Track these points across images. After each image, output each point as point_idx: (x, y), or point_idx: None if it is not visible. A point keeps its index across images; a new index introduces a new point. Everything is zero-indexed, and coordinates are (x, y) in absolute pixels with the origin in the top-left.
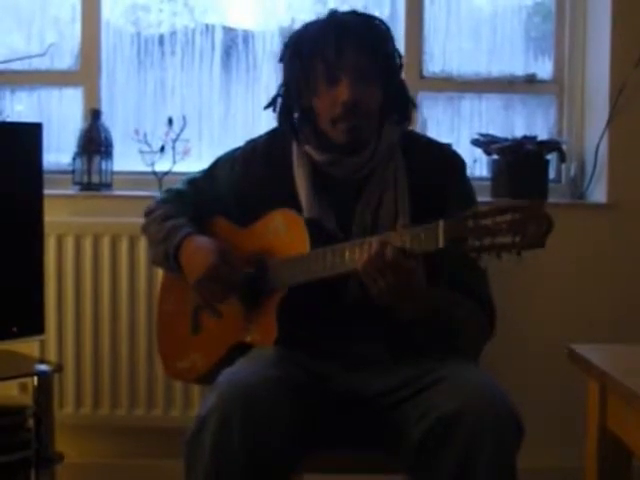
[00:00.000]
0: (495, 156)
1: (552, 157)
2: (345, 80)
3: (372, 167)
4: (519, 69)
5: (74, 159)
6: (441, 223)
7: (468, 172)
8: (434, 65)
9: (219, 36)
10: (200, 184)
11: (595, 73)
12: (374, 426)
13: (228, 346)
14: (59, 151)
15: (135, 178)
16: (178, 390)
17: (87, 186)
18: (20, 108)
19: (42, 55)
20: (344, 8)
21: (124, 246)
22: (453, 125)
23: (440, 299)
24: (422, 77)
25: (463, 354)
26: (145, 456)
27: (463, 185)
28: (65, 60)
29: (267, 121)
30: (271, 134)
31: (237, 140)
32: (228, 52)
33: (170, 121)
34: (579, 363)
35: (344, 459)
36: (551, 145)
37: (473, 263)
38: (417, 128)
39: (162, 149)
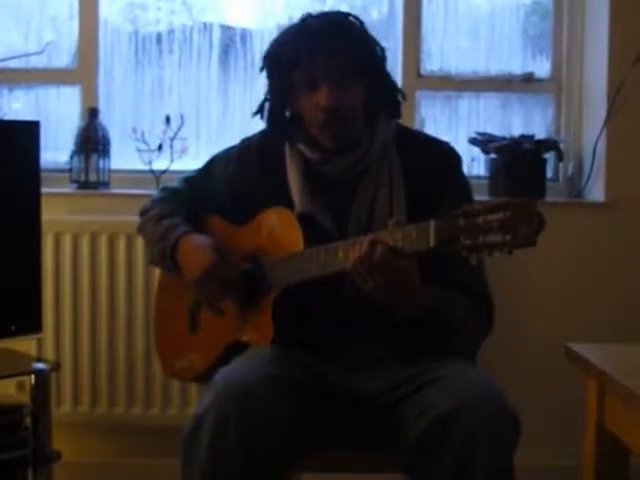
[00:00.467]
0: (493, 155)
1: (550, 156)
2: (323, 87)
3: (366, 165)
4: (517, 68)
5: (71, 157)
6: (432, 222)
7: (465, 171)
8: (432, 64)
9: (217, 34)
10: (196, 182)
11: (593, 72)
12: (373, 425)
13: (225, 345)
14: (56, 149)
15: (133, 176)
16: (175, 389)
17: (84, 184)
18: (17, 106)
19: (40, 53)
20: (320, 9)
21: (122, 244)
22: (451, 124)
23: (436, 299)
24: (420, 76)
25: (461, 354)
26: (142, 455)
27: (459, 181)
28: (63, 58)
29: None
30: (266, 132)
31: (235, 139)
32: (226, 50)
33: (168, 119)
34: (577, 362)
35: (342, 458)
36: (549, 144)
37: (467, 260)
38: (415, 127)
39: (160, 147)
